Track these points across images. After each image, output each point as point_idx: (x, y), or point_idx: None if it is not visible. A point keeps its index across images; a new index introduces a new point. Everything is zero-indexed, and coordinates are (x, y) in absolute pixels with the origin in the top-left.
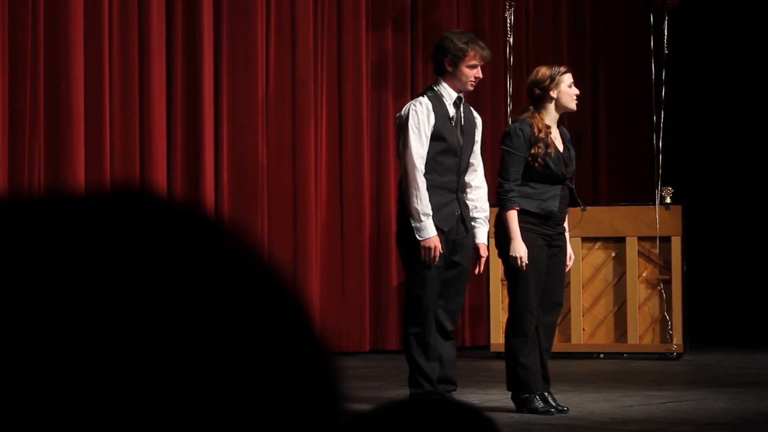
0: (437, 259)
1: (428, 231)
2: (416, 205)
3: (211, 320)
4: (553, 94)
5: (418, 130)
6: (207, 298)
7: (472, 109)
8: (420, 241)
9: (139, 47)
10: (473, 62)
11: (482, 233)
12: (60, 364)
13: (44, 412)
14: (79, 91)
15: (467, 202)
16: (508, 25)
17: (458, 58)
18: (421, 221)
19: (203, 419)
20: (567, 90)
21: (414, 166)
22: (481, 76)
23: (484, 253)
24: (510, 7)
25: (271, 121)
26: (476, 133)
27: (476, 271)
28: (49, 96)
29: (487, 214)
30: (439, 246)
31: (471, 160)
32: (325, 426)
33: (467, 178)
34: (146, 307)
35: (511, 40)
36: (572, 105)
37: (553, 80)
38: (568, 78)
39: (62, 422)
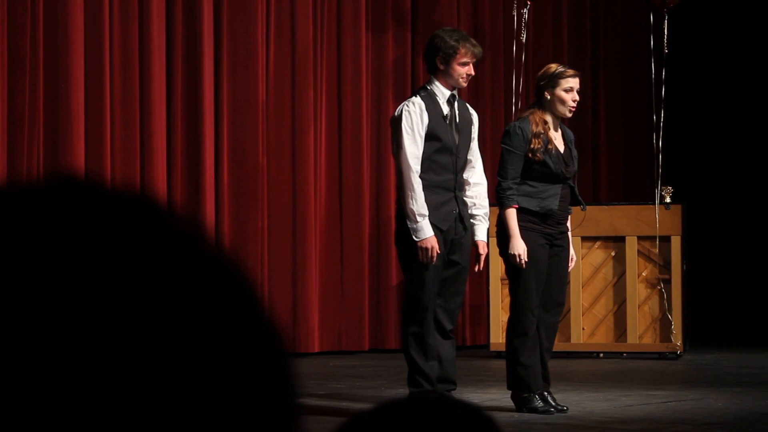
0: (434, 259)
1: (424, 231)
2: (411, 206)
3: (152, 311)
4: (548, 94)
5: (412, 130)
6: (148, 289)
7: (468, 105)
8: (417, 241)
9: (140, 46)
10: (464, 59)
11: (481, 230)
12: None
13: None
14: (79, 91)
15: (466, 199)
16: (522, 23)
17: (449, 56)
18: (417, 222)
19: (151, 415)
20: (561, 94)
21: (408, 166)
22: (473, 73)
23: (483, 250)
24: (525, 6)
25: (271, 121)
26: (473, 130)
27: (476, 269)
28: (49, 95)
29: (487, 211)
30: (436, 246)
31: (468, 157)
32: (280, 425)
33: (465, 175)
34: (82, 298)
35: (524, 38)
36: (562, 110)
37: (549, 80)
38: (566, 82)
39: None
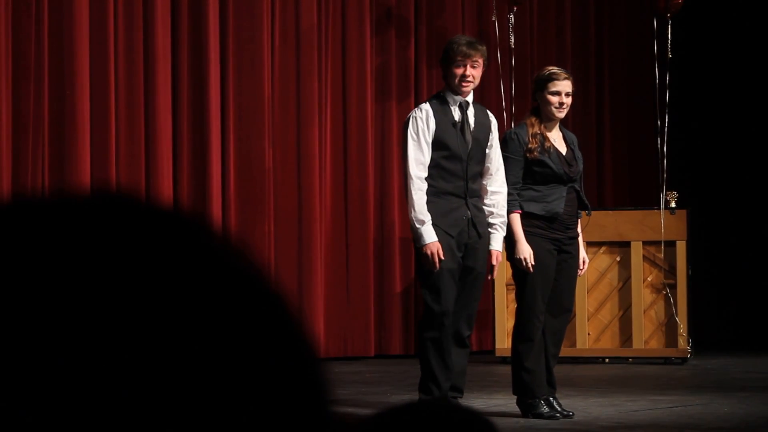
0: (437, 265)
1: (425, 237)
2: (411, 214)
3: (194, 323)
4: (537, 97)
5: (417, 136)
6: (189, 302)
7: (488, 112)
8: (419, 248)
9: (145, 53)
10: (458, 59)
11: (497, 239)
12: (40, 365)
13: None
14: (84, 97)
15: (484, 207)
16: (509, 28)
17: (446, 60)
18: (417, 228)
19: (187, 421)
20: (548, 97)
21: (409, 175)
22: (468, 74)
23: (495, 261)
24: (512, 11)
25: (277, 126)
26: (490, 137)
27: (488, 277)
28: (54, 102)
29: (504, 219)
30: (440, 250)
31: (487, 164)
32: (312, 430)
33: (485, 182)
34: (125, 309)
35: (512, 42)
36: (551, 113)
37: (539, 84)
38: (553, 85)
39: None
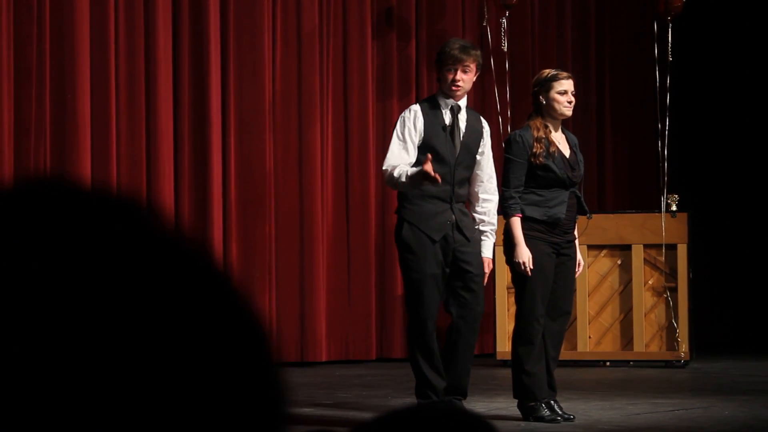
0: (439, 179)
1: (410, 170)
2: (388, 179)
3: (135, 315)
4: (542, 99)
5: (403, 136)
6: (134, 290)
7: (481, 118)
8: (414, 175)
9: (145, 55)
10: (449, 63)
11: (488, 247)
12: None
13: None
14: (85, 100)
15: (475, 215)
16: (502, 31)
17: (439, 63)
18: (399, 176)
19: (141, 422)
20: (556, 96)
21: (383, 170)
22: (458, 78)
23: (488, 268)
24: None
25: (278, 128)
26: (481, 143)
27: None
28: (55, 105)
29: (494, 227)
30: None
31: (476, 171)
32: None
33: (475, 189)
34: (66, 303)
35: (505, 47)
36: (561, 111)
37: (542, 85)
38: (559, 85)
39: None
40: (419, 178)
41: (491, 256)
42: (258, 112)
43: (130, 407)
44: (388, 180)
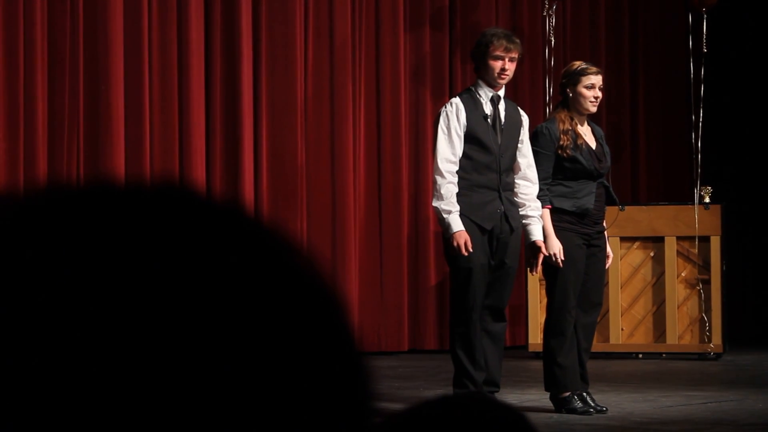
0: (463, 250)
1: (453, 226)
2: (438, 204)
3: (246, 317)
4: (569, 91)
5: (448, 130)
6: (243, 295)
7: (518, 108)
8: (448, 237)
9: (178, 48)
10: (497, 53)
11: (537, 230)
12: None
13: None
14: (118, 92)
15: (517, 200)
16: (549, 25)
17: (483, 52)
18: (445, 218)
19: (232, 416)
20: (582, 90)
21: (439, 170)
22: (507, 68)
23: (544, 250)
24: (551, 8)
25: (310, 121)
26: (521, 132)
27: (533, 272)
28: (89, 97)
29: (540, 211)
30: (468, 241)
31: (519, 159)
32: (354, 426)
33: (516, 178)
34: (181, 302)
35: (553, 40)
36: (586, 106)
37: (570, 77)
38: (587, 79)
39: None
40: (448, 234)
41: (542, 238)
42: (290, 106)
43: (244, 400)
44: (436, 185)
